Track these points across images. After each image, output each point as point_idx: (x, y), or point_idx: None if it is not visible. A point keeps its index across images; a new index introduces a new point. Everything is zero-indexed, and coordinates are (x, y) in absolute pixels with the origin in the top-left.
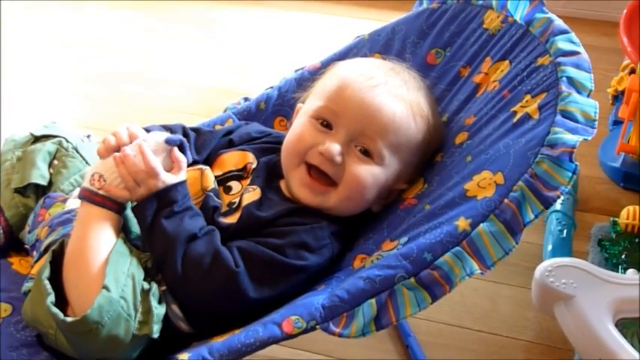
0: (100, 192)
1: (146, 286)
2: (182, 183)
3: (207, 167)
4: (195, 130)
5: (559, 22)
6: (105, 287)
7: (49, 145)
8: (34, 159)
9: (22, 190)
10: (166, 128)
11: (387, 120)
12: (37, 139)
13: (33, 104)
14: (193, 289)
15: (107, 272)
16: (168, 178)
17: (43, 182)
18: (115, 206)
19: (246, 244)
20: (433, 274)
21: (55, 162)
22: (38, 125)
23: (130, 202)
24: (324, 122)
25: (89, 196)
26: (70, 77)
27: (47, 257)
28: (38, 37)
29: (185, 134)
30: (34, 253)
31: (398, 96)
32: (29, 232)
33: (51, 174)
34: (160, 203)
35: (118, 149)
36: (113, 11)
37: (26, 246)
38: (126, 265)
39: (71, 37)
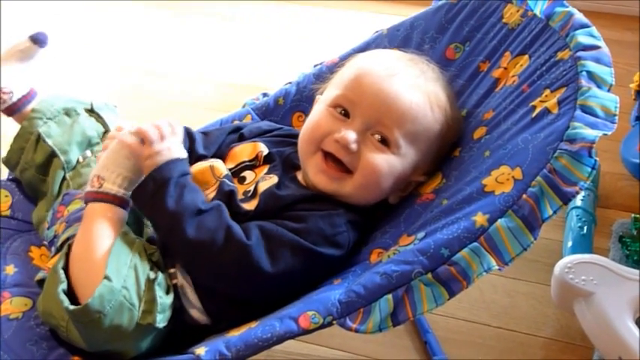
0: (100, 189)
1: (152, 275)
2: (176, 160)
3: (218, 160)
4: (205, 132)
5: (579, 16)
6: (106, 277)
7: (94, 133)
8: (77, 134)
9: (42, 142)
10: None
11: (404, 108)
12: (91, 111)
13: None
14: (207, 263)
15: (108, 264)
16: (165, 155)
17: (63, 161)
18: (117, 200)
19: (266, 223)
20: (450, 270)
21: (89, 153)
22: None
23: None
24: (342, 110)
25: (91, 196)
26: (94, 72)
27: (64, 250)
28: (66, 34)
29: (190, 136)
30: (52, 248)
31: (415, 85)
32: (48, 229)
33: (79, 162)
34: (155, 181)
35: None
36: (136, 7)
37: (45, 242)
38: (128, 257)
39: (95, 32)
